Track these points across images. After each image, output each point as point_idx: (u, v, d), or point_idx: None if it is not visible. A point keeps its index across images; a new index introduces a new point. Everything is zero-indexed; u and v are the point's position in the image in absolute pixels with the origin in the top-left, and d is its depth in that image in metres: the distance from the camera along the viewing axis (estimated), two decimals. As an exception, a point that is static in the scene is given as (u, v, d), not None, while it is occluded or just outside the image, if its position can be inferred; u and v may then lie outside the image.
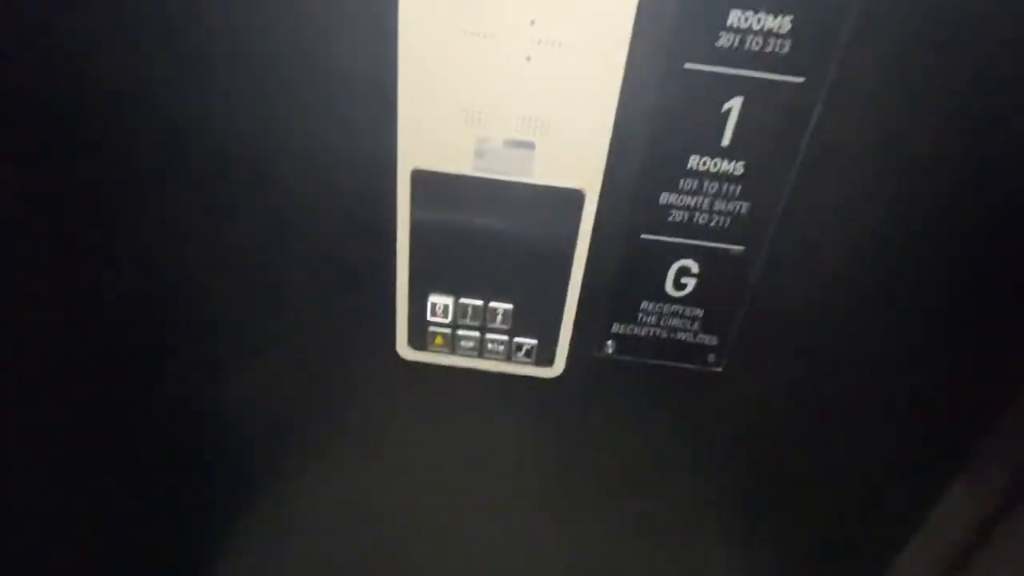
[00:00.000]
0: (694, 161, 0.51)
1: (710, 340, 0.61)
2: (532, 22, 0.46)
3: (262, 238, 0.58)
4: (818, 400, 0.65)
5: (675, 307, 0.60)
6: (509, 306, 0.60)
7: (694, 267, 0.57)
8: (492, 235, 0.56)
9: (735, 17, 0.45)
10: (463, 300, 0.60)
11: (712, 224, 0.54)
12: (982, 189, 0.51)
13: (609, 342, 0.62)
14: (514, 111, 0.49)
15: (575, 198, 0.53)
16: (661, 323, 0.61)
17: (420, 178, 0.53)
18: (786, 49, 0.46)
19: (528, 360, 0.63)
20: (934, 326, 0.60)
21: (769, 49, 0.46)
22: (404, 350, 0.64)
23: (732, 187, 0.52)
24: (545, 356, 0.63)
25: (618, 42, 0.46)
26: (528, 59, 0.47)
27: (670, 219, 0.54)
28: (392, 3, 0.45)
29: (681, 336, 0.61)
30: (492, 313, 0.60)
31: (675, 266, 0.57)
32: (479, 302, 0.60)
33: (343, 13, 0.46)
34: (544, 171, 0.52)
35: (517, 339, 0.61)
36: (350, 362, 0.66)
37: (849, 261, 0.56)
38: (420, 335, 0.62)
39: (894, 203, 0.52)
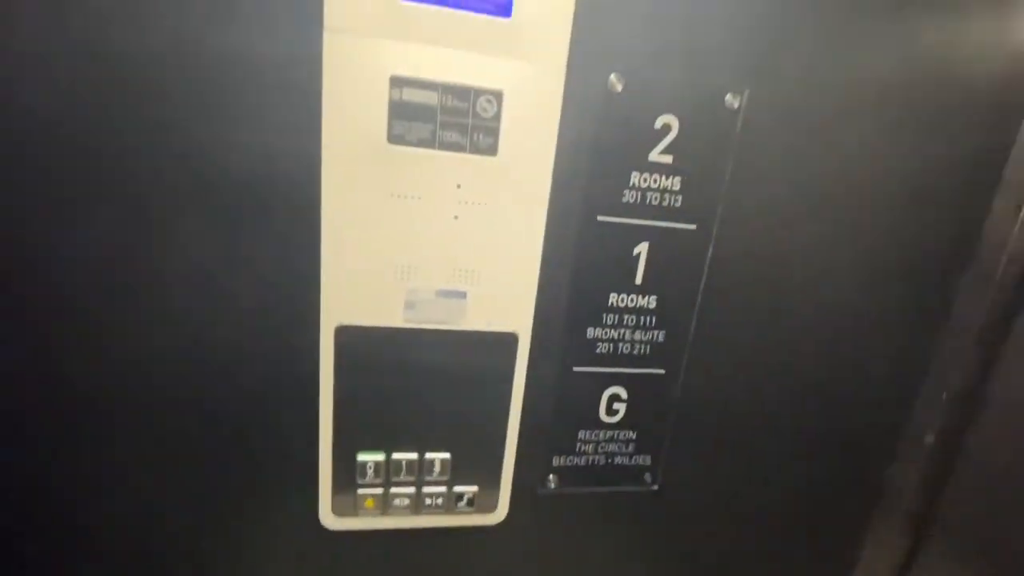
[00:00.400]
0: (613, 298, 0.55)
1: (645, 460, 0.63)
2: (458, 186, 0.48)
3: (172, 395, 0.50)
4: (746, 501, 0.68)
5: (610, 432, 0.61)
6: (447, 455, 0.56)
7: (623, 393, 0.59)
8: (426, 384, 0.54)
9: (635, 178, 0.52)
10: (396, 455, 0.55)
11: (635, 352, 0.58)
12: (844, 305, 0.61)
13: (551, 476, 0.61)
14: (445, 264, 0.50)
15: (509, 341, 0.54)
16: (599, 450, 0.61)
17: (345, 333, 0.51)
18: (679, 203, 0.53)
19: (470, 509, 0.59)
20: (821, 422, 0.67)
21: (666, 203, 0.53)
22: (329, 519, 0.56)
23: (648, 318, 0.57)
24: (488, 502, 0.59)
25: (539, 200, 0.50)
26: (456, 218, 0.49)
27: (598, 351, 0.57)
28: (315, 172, 0.45)
29: (618, 460, 0.62)
30: (429, 465, 0.56)
31: (607, 393, 0.59)
32: (414, 455, 0.56)
33: (268, 176, 0.45)
34: (477, 318, 0.52)
35: (457, 488, 0.58)
36: (270, 535, 0.57)
37: (753, 374, 0.62)
38: (348, 500, 0.56)
39: (782, 323, 0.60)
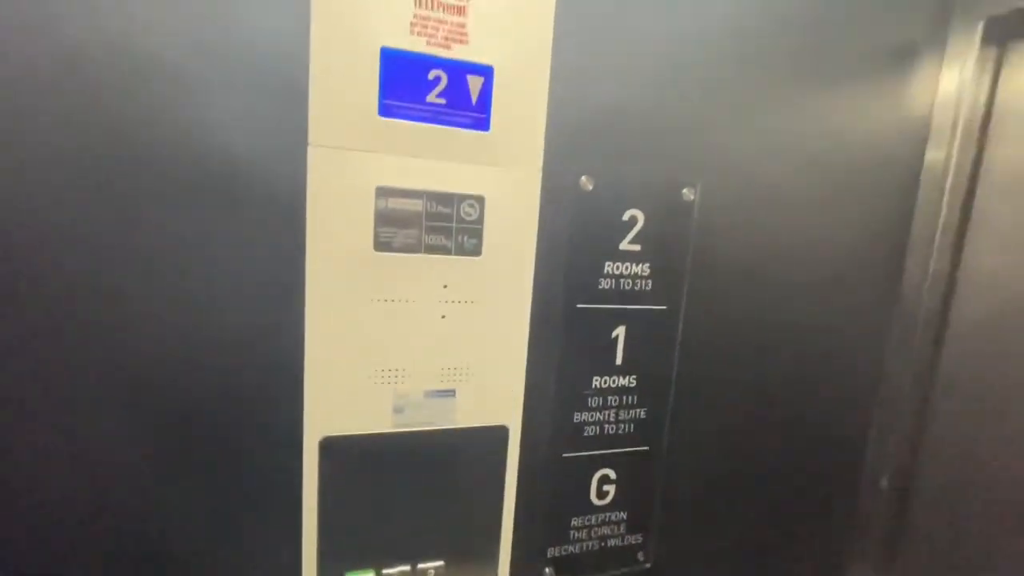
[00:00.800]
0: (597, 381, 0.57)
1: (636, 539, 0.63)
2: (445, 286, 0.49)
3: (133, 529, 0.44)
4: (734, 568, 0.69)
5: (602, 515, 0.60)
6: (440, 563, 0.53)
7: (612, 474, 0.60)
8: (417, 490, 0.51)
9: (609, 266, 0.55)
10: (387, 571, 0.52)
11: (620, 431, 0.59)
12: (802, 374, 0.66)
13: (548, 569, 0.59)
14: (433, 364, 0.50)
15: (500, 434, 0.53)
16: (592, 535, 0.60)
17: (330, 445, 0.48)
18: (649, 286, 0.56)
19: (467, 618, 0.55)
20: (790, 480, 0.71)
21: (638, 287, 0.56)
22: (312, 655, 0.51)
23: (630, 397, 0.59)
24: (485, 607, 0.56)
25: (522, 295, 0.51)
26: (443, 317, 0.49)
27: (586, 434, 0.58)
28: (299, 280, 0.45)
29: (611, 542, 0.61)
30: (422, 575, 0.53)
31: (596, 476, 0.59)
32: (407, 567, 0.52)
33: (252, 283, 0.44)
34: (467, 415, 0.52)
35: (452, 597, 0.54)
36: None
37: (729, 449, 0.65)
38: (334, 629, 0.51)
39: (750, 389, 0.64)
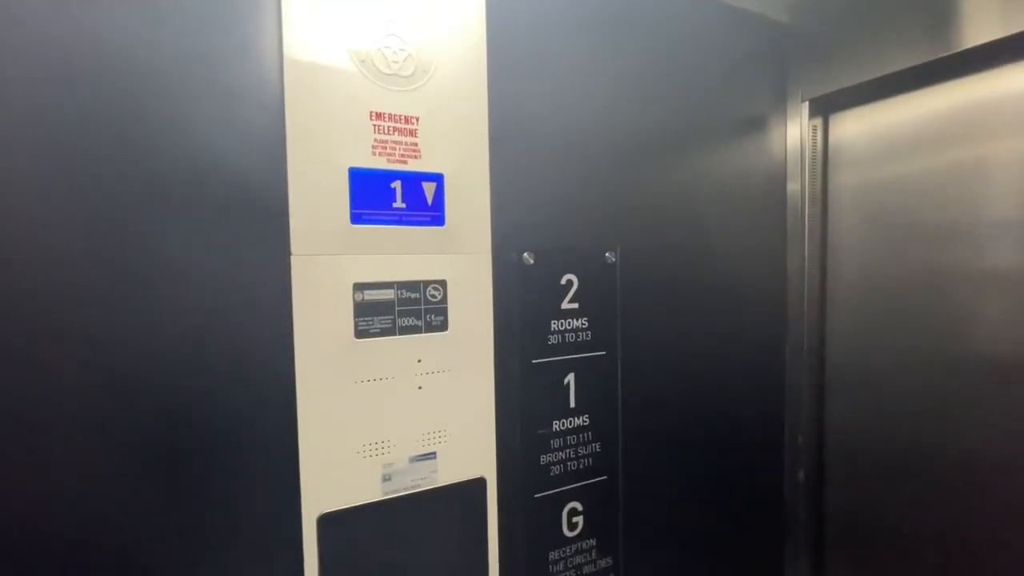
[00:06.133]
0: (556, 424, 0.65)
1: (607, 562, 0.70)
2: (419, 360, 0.56)
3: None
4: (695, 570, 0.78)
5: (575, 546, 0.67)
6: (437, 615, 0.58)
7: (579, 506, 0.67)
8: (408, 548, 0.56)
9: (555, 324, 0.64)
10: (389, 633, 0.55)
11: (581, 466, 0.67)
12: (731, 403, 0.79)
13: (533, 606, 0.64)
14: (415, 431, 0.56)
15: (479, 485, 0.59)
16: (568, 565, 0.67)
17: (327, 521, 0.52)
18: (589, 336, 0.67)
19: (466, 666, 0.59)
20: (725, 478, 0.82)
21: (580, 339, 0.66)
22: None
23: (585, 434, 0.67)
24: (481, 653, 0.60)
25: (486, 358, 0.59)
26: (420, 388, 0.56)
27: (552, 474, 0.65)
28: (290, 371, 0.50)
29: (586, 569, 0.68)
30: (421, 632, 0.57)
31: (566, 510, 0.66)
32: (406, 626, 0.56)
33: (247, 373, 0.48)
34: (448, 472, 0.58)
35: (451, 648, 0.58)
36: None
37: (674, 464, 0.75)
38: None
39: (683, 409, 0.75)
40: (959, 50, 0.64)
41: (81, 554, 0.44)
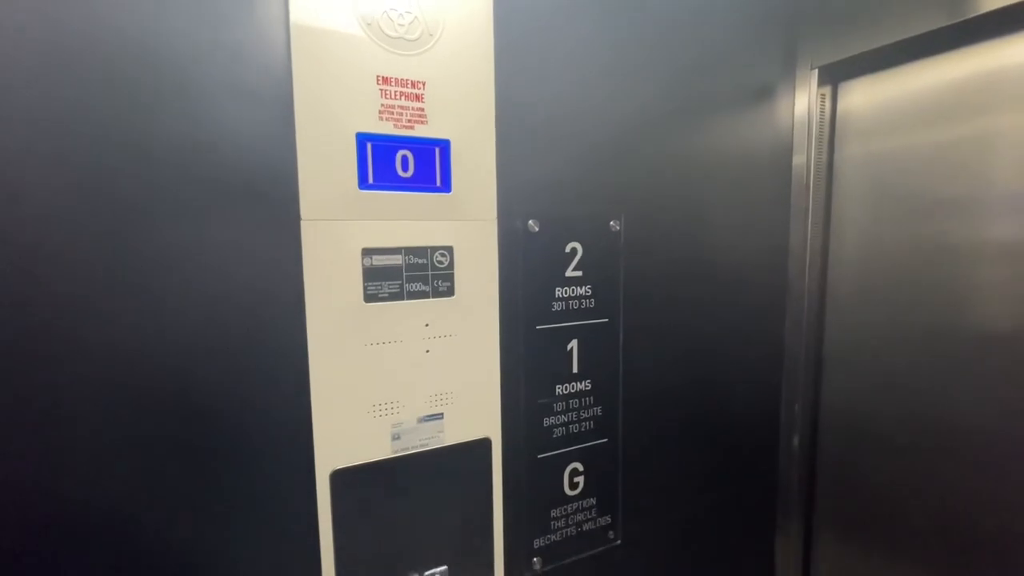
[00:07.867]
0: (559, 388, 0.67)
1: (606, 520, 0.73)
2: (427, 324, 0.57)
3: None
4: (686, 530, 0.81)
5: (575, 504, 0.70)
6: (443, 567, 0.61)
7: (580, 466, 0.70)
8: (417, 505, 0.59)
9: (559, 291, 0.65)
10: (399, 582, 0.58)
11: (583, 429, 0.69)
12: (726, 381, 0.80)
13: (536, 559, 0.67)
14: (423, 393, 0.58)
15: (484, 445, 0.62)
16: (569, 522, 0.70)
17: (339, 477, 0.55)
18: (593, 304, 0.68)
19: (471, 613, 0.62)
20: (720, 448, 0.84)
21: (583, 306, 0.67)
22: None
23: (587, 399, 0.69)
24: (486, 600, 0.64)
25: (491, 323, 0.61)
26: (427, 351, 0.57)
27: (554, 435, 0.67)
28: (302, 334, 0.51)
29: (586, 526, 0.71)
30: (430, 582, 0.60)
31: (567, 470, 0.69)
32: (415, 576, 0.59)
33: (261, 337, 0.50)
34: (454, 432, 0.60)
35: (457, 597, 0.62)
36: None
37: (672, 429, 0.77)
38: (357, 643, 0.57)
39: (684, 376, 0.77)
40: (973, 15, 0.63)
41: (99, 515, 0.46)
